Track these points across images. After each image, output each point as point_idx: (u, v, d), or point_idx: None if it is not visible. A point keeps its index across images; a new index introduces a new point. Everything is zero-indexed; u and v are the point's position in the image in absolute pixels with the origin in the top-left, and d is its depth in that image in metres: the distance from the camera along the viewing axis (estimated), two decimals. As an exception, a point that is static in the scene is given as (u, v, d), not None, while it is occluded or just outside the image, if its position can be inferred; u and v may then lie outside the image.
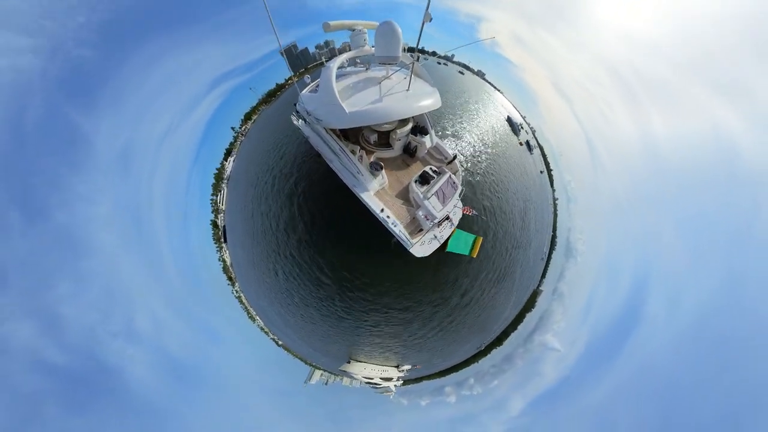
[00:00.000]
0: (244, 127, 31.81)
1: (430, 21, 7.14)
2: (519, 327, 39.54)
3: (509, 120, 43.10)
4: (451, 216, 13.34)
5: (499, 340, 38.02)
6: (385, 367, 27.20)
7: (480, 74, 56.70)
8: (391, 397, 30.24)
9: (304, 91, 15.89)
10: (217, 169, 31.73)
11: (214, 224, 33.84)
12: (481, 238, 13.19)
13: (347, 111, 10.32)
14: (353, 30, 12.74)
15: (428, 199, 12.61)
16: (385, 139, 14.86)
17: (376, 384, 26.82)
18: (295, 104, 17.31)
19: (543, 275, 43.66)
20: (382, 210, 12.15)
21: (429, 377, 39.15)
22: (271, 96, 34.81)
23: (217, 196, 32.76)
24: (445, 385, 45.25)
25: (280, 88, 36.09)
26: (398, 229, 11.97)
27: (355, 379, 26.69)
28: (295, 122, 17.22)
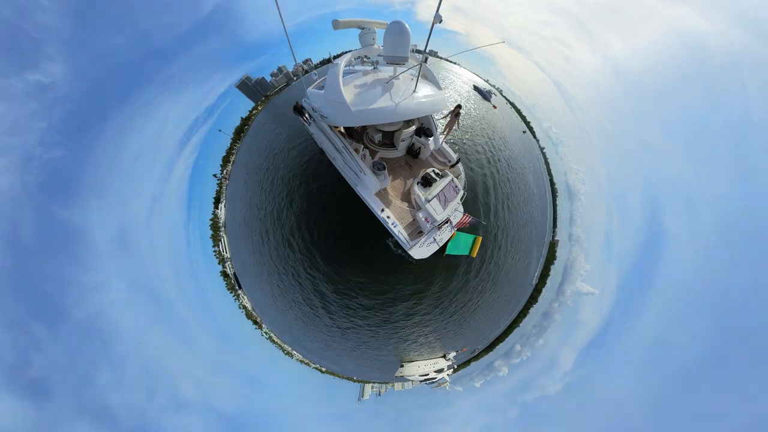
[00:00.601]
0: (224, 170, 31.43)
1: (440, 22, 6.80)
2: (548, 281, 39.51)
3: (476, 89, 43.32)
4: (451, 219, 13.34)
5: (533, 297, 37.96)
6: (434, 359, 26.98)
7: (433, 54, 56.77)
8: (448, 387, 30.01)
9: (310, 88, 15.65)
10: (210, 219, 31.30)
11: (224, 274, 33.35)
12: (481, 237, 13.31)
13: (352, 109, 10.13)
14: (362, 28, 12.62)
15: (429, 201, 12.57)
16: (389, 139, 14.80)
17: (432, 379, 26.54)
18: (293, 103, 17.20)
19: (554, 225, 43.73)
20: (382, 210, 12.13)
21: (476, 358, 38.96)
22: (240, 132, 34.48)
23: (218, 246, 32.28)
24: (493, 360, 45.05)
25: (245, 121, 35.78)
26: (397, 230, 11.99)
27: (411, 380, 26.43)
28: (300, 118, 17.30)
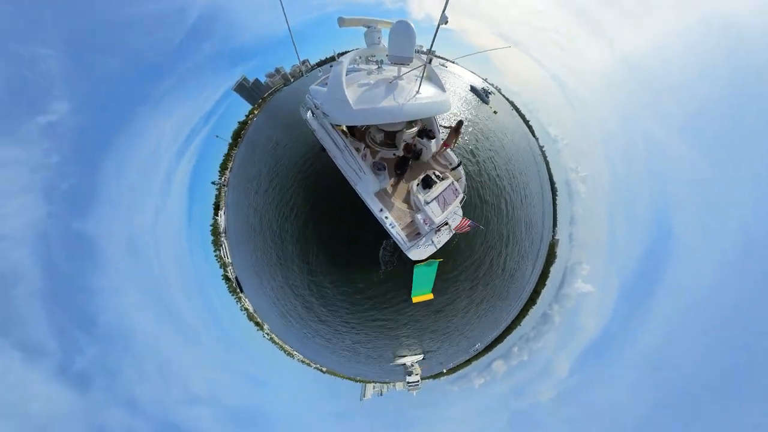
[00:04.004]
0: (223, 177, 31.66)
1: (446, 23, 6.71)
2: (547, 282, 39.56)
3: (473, 90, 42.59)
4: (449, 222, 13.28)
5: (532, 300, 38.11)
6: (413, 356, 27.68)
7: (432, 53, 55.96)
8: (415, 393, 30.59)
9: (313, 85, 15.63)
10: (211, 225, 31.67)
11: (226, 278, 33.83)
12: (432, 296, 14.13)
13: (354, 108, 10.07)
14: (368, 27, 12.53)
15: (429, 203, 12.51)
16: (391, 139, 14.77)
17: (412, 383, 27.27)
18: (293, 106, 17.45)
19: (554, 224, 43.66)
20: (381, 210, 12.13)
21: (476, 357, 39.33)
22: (237, 136, 34.60)
23: (219, 251, 32.69)
24: (491, 361, 45.36)
25: (243, 125, 35.84)
26: (395, 230, 11.98)
27: (410, 379, 27.16)
28: (303, 114, 17.48)
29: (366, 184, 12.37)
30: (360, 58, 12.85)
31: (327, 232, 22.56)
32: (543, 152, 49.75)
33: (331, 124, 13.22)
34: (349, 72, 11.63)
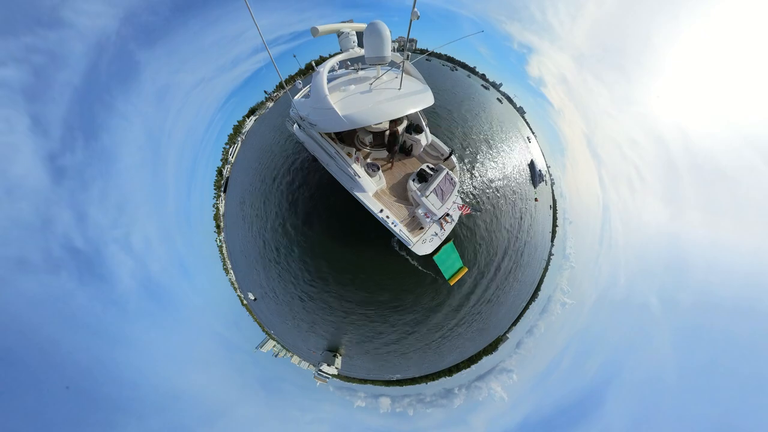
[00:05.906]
0: (276, 93, 31.86)
1: (418, 18, 7.15)
2: (472, 367, 39.81)
3: (531, 166, 41.65)
4: (450, 212, 13.44)
5: (449, 371, 38.45)
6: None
7: (521, 111, 55.66)
8: (318, 384, 31.70)
9: (296, 97, 15.81)
10: (238, 121, 32.02)
11: (219, 172, 34.30)
12: (467, 269, 13.48)
13: (340, 114, 10.27)
14: (340, 33, 12.62)
15: (427, 196, 12.71)
16: (380, 139, 14.86)
17: (322, 372, 27.52)
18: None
19: (513, 324, 43.70)
20: (381, 210, 12.22)
21: (373, 382, 39.69)
22: (310, 69, 34.62)
23: (230, 146, 33.10)
24: (381, 394, 45.67)
25: (321, 60, 35.91)
26: (398, 228, 12.03)
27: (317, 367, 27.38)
28: (289, 128, 17.30)
29: (363, 187, 12.44)
30: (337, 64, 13.02)
31: (325, 205, 22.55)
32: (549, 259, 49.61)
33: (320, 133, 13.28)
34: (329, 80, 11.84)
